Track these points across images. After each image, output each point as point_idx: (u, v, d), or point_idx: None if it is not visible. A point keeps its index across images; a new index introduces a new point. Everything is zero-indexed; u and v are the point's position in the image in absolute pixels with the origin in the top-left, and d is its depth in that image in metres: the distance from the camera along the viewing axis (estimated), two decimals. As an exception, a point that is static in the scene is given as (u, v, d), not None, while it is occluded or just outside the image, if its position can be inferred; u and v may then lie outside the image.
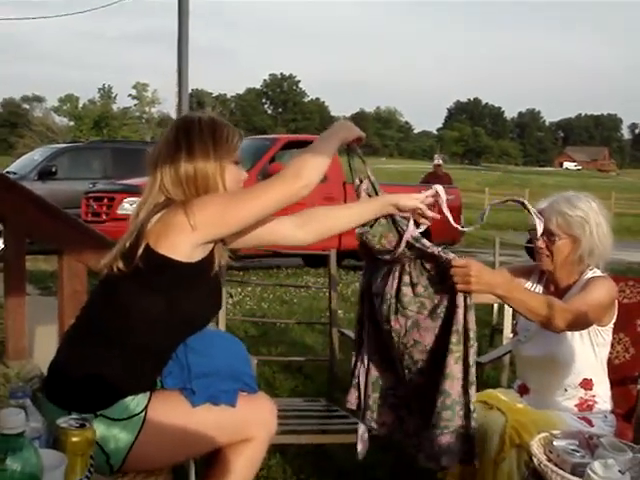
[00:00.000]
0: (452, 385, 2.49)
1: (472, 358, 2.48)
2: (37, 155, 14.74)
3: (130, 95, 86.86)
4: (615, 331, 3.04)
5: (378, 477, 3.56)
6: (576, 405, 2.89)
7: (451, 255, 2.49)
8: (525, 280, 3.08)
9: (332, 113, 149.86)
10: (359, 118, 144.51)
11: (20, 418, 1.46)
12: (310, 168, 2.28)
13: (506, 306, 3.98)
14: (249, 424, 2.42)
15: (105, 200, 11.13)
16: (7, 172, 12.92)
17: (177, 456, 2.47)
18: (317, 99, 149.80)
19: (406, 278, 2.54)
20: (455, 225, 2.68)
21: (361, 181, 2.68)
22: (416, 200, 2.63)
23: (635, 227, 25.85)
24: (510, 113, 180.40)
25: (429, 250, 2.51)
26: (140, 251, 2.19)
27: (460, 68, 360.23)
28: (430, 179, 14.81)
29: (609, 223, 2.90)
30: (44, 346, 3.46)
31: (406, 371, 2.61)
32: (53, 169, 13.55)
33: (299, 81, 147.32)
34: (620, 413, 3.02)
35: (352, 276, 10.92)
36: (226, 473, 2.42)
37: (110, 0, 13.06)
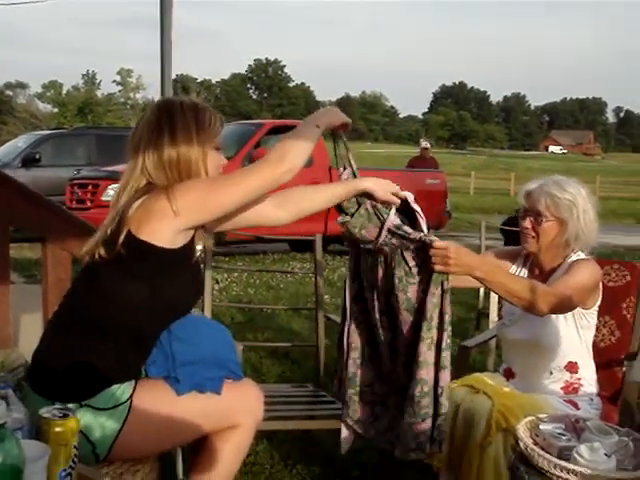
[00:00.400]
0: (428, 372, 2.51)
1: (445, 342, 2.50)
2: (21, 142, 14.64)
3: (114, 81, 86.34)
4: (601, 314, 3.05)
5: (365, 462, 3.56)
6: (562, 388, 2.90)
7: (433, 237, 2.49)
8: (510, 263, 3.08)
9: (317, 98, 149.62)
10: (345, 103, 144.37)
11: (1, 409, 1.44)
12: (293, 153, 2.27)
13: (492, 290, 3.99)
14: (235, 411, 2.42)
15: (89, 187, 11.08)
16: (-10, 159, 12.87)
17: (163, 444, 2.46)
18: (302, 84, 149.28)
19: (390, 265, 2.55)
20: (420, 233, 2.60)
21: (344, 168, 2.66)
22: (391, 195, 2.61)
23: (620, 210, 25.96)
24: (495, 97, 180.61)
25: (411, 236, 2.50)
26: (122, 238, 2.17)
27: (445, 52, 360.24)
28: (416, 163, 14.81)
29: (596, 211, 2.90)
30: (29, 334, 3.44)
31: (387, 364, 2.62)
32: (37, 156, 13.46)
33: (284, 66, 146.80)
34: (606, 396, 3.04)
35: (338, 261, 10.93)
36: (213, 460, 2.42)
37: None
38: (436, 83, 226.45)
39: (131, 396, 2.25)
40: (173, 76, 4.53)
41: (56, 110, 71.72)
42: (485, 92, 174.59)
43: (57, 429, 1.63)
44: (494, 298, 4.29)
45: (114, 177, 10.51)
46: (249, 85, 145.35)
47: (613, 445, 1.96)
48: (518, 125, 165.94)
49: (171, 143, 2.27)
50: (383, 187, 2.60)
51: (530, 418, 2.16)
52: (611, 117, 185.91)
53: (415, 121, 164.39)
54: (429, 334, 2.48)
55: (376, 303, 2.64)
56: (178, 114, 2.32)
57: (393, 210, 2.57)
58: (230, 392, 2.40)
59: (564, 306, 2.73)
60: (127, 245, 2.18)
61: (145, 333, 2.33)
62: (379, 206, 2.58)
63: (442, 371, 2.51)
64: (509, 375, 3.05)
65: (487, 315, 4.89)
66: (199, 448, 2.46)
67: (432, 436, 2.54)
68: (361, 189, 2.58)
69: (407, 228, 2.53)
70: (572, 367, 2.90)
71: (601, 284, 2.92)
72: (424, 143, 15.70)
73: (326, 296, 6.88)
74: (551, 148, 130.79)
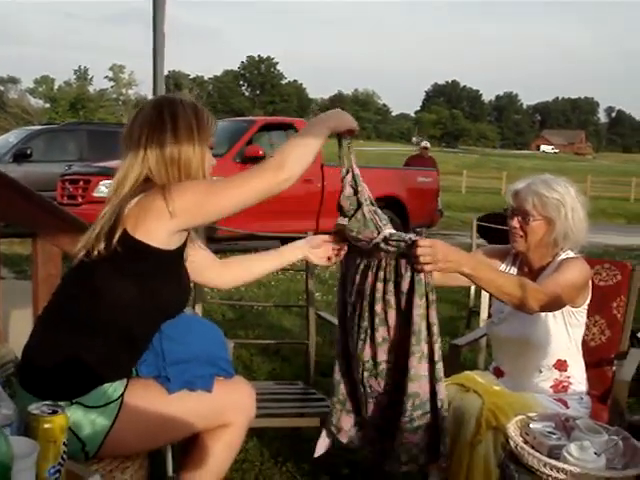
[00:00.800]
0: (420, 385, 2.50)
1: (437, 354, 2.50)
2: (12, 137, 14.58)
3: (106, 77, 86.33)
4: (591, 313, 3.06)
5: (356, 460, 3.56)
6: (551, 386, 2.90)
7: (419, 236, 2.49)
8: (500, 262, 3.08)
9: (310, 95, 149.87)
10: (337, 100, 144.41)
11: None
12: (294, 160, 2.25)
13: (483, 289, 3.99)
14: (227, 409, 2.41)
15: (81, 183, 11.02)
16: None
17: (154, 442, 2.46)
18: (295, 81, 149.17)
19: (381, 274, 2.53)
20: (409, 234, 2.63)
21: (347, 172, 2.63)
22: (325, 260, 2.78)
23: (610, 210, 26.08)
24: (488, 96, 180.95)
25: (406, 238, 2.49)
26: (117, 235, 2.17)
27: (438, 51, 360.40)
28: (415, 162, 14.78)
29: (585, 210, 2.90)
30: (19, 330, 3.42)
31: (367, 373, 2.60)
32: (28, 151, 13.43)
33: (277, 63, 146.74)
34: (596, 395, 3.05)
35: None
36: (204, 458, 2.41)
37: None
38: (429, 81, 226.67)
39: (122, 394, 2.24)
40: (165, 72, 4.52)
41: (48, 105, 71.61)
42: (477, 91, 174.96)
43: (46, 425, 1.63)
44: (485, 296, 4.31)
45: (105, 173, 10.50)
46: (241, 82, 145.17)
47: (603, 444, 1.96)
48: (510, 124, 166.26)
49: (174, 140, 2.27)
50: (318, 254, 2.77)
51: (520, 417, 2.16)
52: (603, 117, 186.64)
53: (407, 119, 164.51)
54: (418, 347, 2.47)
55: (360, 311, 2.60)
56: (180, 111, 2.32)
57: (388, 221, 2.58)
58: (222, 390, 2.40)
59: (553, 303, 2.72)
60: (123, 243, 2.17)
61: (135, 332, 2.31)
62: (379, 211, 2.58)
63: (438, 384, 2.51)
64: (498, 374, 3.06)
65: (478, 313, 4.91)
66: (190, 446, 2.45)
67: (437, 450, 2.55)
68: (294, 260, 2.84)
69: (401, 234, 2.52)
70: (561, 365, 2.90)
71: (590, 282, 2.92)
72: (424, 142, 15.69)
73: (317, 293, 6.87)
74: (543, 147, 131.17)
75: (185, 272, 2.45)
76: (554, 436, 2.03)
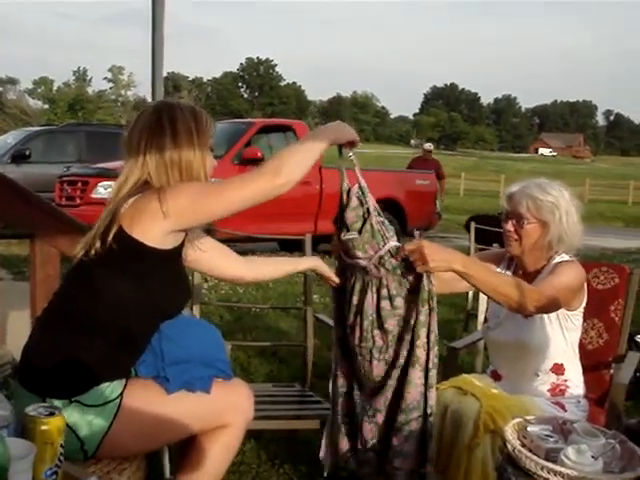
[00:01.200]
0: (409, 390, 2.51)
1: (432, 362, 2.51)
2: (10, 138, 14.59)
3: (105, 78, 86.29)
4: (589, 317, 3.06)
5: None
6: (548, 390, 2.90)
7: (399, 244, 2.52)
8: (495, 266, 3.08)
9: (309, 97, 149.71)
10: (336, 103, 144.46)
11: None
12: (291, 166, 2.24)
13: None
14: (225, 410, 2.42)
15: (79, 184, 11.01)
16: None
17: (152, 443, 2.46)
18: (294, 83, 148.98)
19: (384, 291, 2.52)
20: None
21: (348, 188, 2.59)
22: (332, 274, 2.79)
23: (608, 213, 26.10)
24: (486, 99, 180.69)
25: (391, 247, 2.50)
26: (113, 233, 2.18)
27: (437, 52, 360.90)
28: (418, 164, 14.72)
29: (580, 214, 2.90)
30: (17, 332, 3.42)
31: (377, 385, 2.60)
32: (27, 152, 13.43)
33: (276, 65, 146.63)
34: (593, 398, 3.05)
35: (327, 261, 10.89)
36: (201, 460, 2.41)
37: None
38: (427, 84, 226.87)
39: (121, 394, 2.25)
40: (164, 74, 4.52)
41: (46, 106, 71.59)
42: (476, 94, 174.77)
43: (43, 427, 1.63)
44: (483, 299, 4.31)
45: (104, 174, 10.49)
46: (240, 84, 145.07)
47: (600, 447, 1.96)
48: (508, 127, 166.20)
49: (173, 144, 2.29)
50: (325, 268, 2.82)
51: (518, 420, 2.16)
52: (601, 120, 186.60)
53: (406, 122, 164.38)
54: (416, 353, 2.49)
55: (361, 333, 2.59)
56: (179, 115, 2.33)
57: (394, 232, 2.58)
58: (220, 391, 2.40)
59: (549, 305, 2.72)
60: (118, 241, 2.18)
61: (134, 332, 2.32)
62: (386, 222, 2.57)
63: (429, 390, 2.53)
64: (496, 377, 3.06)
65: (476, 316, 4.91)
66: (187, 448, 2.45)
67: (424, 455, 2.56)
68: (302, 270, 3.01)
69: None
70: (558, 369, 2.90)
71: (586, 285, 2.92)
72: (426, 145, 15.61)
73: (315, 296, 6.86)
74: (541, 150, 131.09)
75: (184, 273, 2.46)
76: (551, 439, 2.03)
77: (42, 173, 12.49)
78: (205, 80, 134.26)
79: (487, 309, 3.24)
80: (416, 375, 2.50)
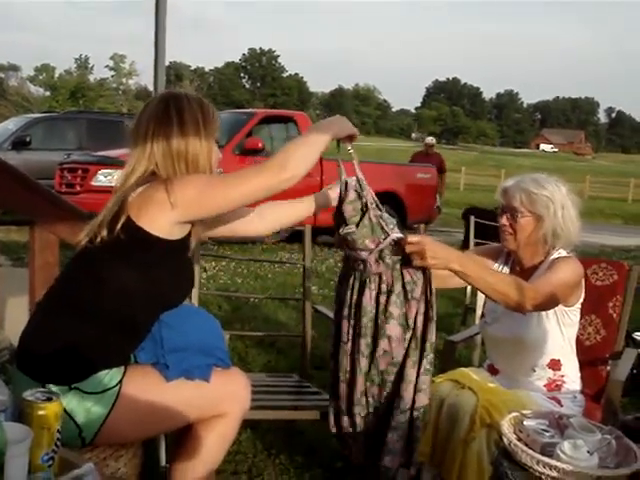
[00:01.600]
0: (406, 388, 2.52)
1: (424, 367, 2.52)
2: (11, 125, 14.57)
3: (107, 66, 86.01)
4: (587, 313, 3.06)
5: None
6: (545, 385, 2.90)
7: (402, 235, 2.51)
8: (492, 261, 3.08)
9: (311, 89, 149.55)
10: (337, 95, 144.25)
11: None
12: (297, 160, 2.26)
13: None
14: (222, 399, 2.42)
15: (79, 171, 10.99)
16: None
17: (149, 431, 2.46)
18: (296, 74, 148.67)
19: (383, 286, 2.52)
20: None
21: (346, 183, 2.59)
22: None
23: (608, 210, 26.09)
24: (488, 94, 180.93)
25: (394, 237, 2.49)
26: (121, 222, 2.19)
27: (440, 48, 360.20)
28: (420, 159, 14.66)
29: (577, 209, 2.89)
30: (15, 317, 3.42)
31: (368, 384, 2.59)
32: (27, 139, 13.41)
33: (278, 56, 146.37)
34: (589, 394, 3.05)
35: (327, 252, 10.93)
36: (197, 448, 2.42)
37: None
38: (429, 78, 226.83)
39: (120, 381, 2.25)
40: (167, 63, 4.51)
41: (48, 94, 71.38)
42: (478, 88, 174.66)
43: (40, 412, 1.63)
44: (481, 294, 4.31)
45: (104, 162, 10.48)
46: (242, 74, 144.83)
47: (596, 443, 1.96)
48: (510, 122, 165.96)
49: (180, 135, 2.30)
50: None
51: (514, 414, 2.16)
52: (603, 117, 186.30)
53: (407, 115, 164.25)
54: (416, 352, 2.51)
55: (352, 324, 2.59)
56: (186, 105, 2.34)
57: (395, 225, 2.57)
58: (218, 380, 2.40)
59: (547, 303, 2.73)
60: (126, 230, 2.19)
61: (136, 320, 2.32)
62: (385, 216, 2.56)
63: (418, 394, 2.53)
64: (493, 371, 3.06)
65: (474, 310, 4.92)
66: (183, 436, 2.45)
67: (409, 457, 2.57)
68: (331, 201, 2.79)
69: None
70: (555, 365, 2.91)
71: (583, 282, 2.92)
72: (428, 139, 15.50)
73: (314, 287, 6.88)
74: (542, 146, 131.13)
75: (189, 263, 2.47)
76: (547, 434, 2.03)
77: (42, 160, 12.47)
78: (207, 70, 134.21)
79: (484, 304, 3.24)
80: (412, 374, 2.51)
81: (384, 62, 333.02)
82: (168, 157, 2.29)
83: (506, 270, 3.04)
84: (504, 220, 2.90)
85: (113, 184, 2.42)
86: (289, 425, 3.87)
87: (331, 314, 2.89)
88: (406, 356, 2.52)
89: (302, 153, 2.28)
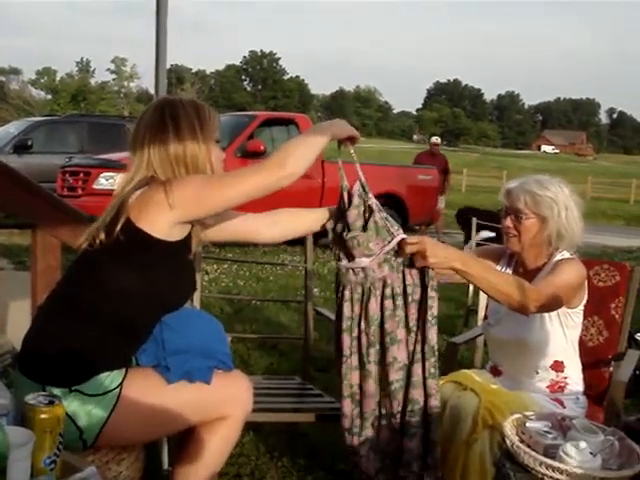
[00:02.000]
0: (420, 393, 2.52)
1: (429, 371, 2.52)
2: (13, 128, 14.57)
3: (108, 69, 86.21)
4: (589, 314, 3.06)
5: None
6: (547, 387, 2.90)
7: (404, 235, 2.51)
8: (494, 263, 3.07)
9: (312, 91, 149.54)
10: (339, 97, 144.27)
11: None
12: (295, 158, 2.26)
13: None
14: (224, 402, 2.42)
15: (81, 175, 11.00)
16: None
17: (151, 433, 2.47)
18: (297, 77, 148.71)
19: (388, 291, 2.51)
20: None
21: (345, 189, 2.58)
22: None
23: (610, 211, 26.06)
24: (489, 95, 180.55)
25: (396, 239, 2.49)
26: (120, 224, 2.20)
27: (440, 48, 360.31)
28: (425, 158, 14.59)
29: (580, 210, 2.89)
30: (17, 321, 3.43)
31: (382, 393, 2.57)
32: (29, 142, 13.42)
33: (279, 58, 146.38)
34: (592, 395, 3.04)
35: (328, 255, 10.90)
36: (200, 451, 2.42)
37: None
38: (430, 79, 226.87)
39: (121, 384, 2.25)
40: (168, 66, 4.52)
41: (49, 97, 71.55)
42: (479, 90, 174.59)
43: (42, 416, 1.63)
44: (483, 295, 4.30)
45: (106, 165, 10.50)
46: (243, 77, 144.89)
47: (599, 444, 1.96)
48: (511, 124, 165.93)
49: (177, 140, 2.31)
50: None
51: (517, 416, 2.16)
52: (604, 118, 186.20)
53: (409, 117, 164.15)
54: (419, 356, 2.51)
55: (364, 335, 2.55)
56: (181, 111, 2.36)
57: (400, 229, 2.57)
58: (220, 383, 2.40)
59: (550, 305, 2.72)
60: (126, 232, 2.20)
61: (136, 322, 2.33)
62: (390, 218, 2.56)
63: (430, 399, 2.53)
64: (495, 373, 3.06)
65: (476, 312, 4.89)
66: (186, 439, 2.46)
67: (425, 461, 2.55)
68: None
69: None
70: (558, 366, 2.90)
71: (586, 283, 2.92)
72: (434, 138, 15.35)
73: (315, 289, 6.89)
74: (543, 147, 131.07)
75: (190, 265, 2.47)
76: (550, 435, 2.03)
77: (44, 163, 12.47)
78: (208, 73, 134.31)
79: (487, 306, 3.24)
80: (420, 379, 2.52)
81: (384, 63, 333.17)
82: (167, 163, 2.30)
83: (509, 271, 3.04)
84: (508, 222, 2.90)
85: (115, 187, 2.43)
86: (291, 427, 3.86)
87: (333, 316, 2.88)
88: (412, 361, 2.51)
89: (301, 152, 2.29)
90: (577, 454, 1.89)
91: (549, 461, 1.90)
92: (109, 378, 2.24)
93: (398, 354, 2.52)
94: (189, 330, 2.43)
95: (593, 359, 3.16)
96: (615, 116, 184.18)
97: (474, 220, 6.67)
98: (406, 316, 2.51)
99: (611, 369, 3.20)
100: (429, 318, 2.51)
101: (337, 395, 2.75)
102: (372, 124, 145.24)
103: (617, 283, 3.26)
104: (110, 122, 15.31)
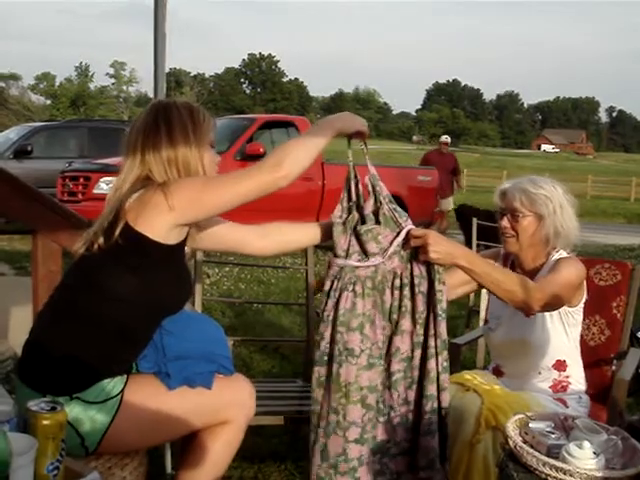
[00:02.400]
0: (435, 388, 2.50)
1: (441, 366, 2.50)
2: (13, 134, 14.57)
3: (107, 74, 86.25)
4: (591, 313, 3.05)
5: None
6: (550, 387, 2.90)
7: (412, 226, 2.51)
8: None
9: (311, 94, 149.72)
10: (338, 99, 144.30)
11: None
12: (292, 159, 2.25)
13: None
14: (226, 407, 2.41)
15: (81, 179, 11.01)
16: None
17: (153, 439, 2.46)
18: (296, 79, 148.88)
19: (397, 282, 2.50)
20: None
21: (357, 178, 2.57)
22: None
23: (611, 210, 26.04)
24: (489, 95, 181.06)
25: (403, 232, 2.49)
26: (119, 228, 2.19)
27: (439, 49, 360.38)
28: (433, 157, 14.47)
29: (574, 209, 2.89)
30: (19, 327, 3.43)
31: (392, 391, 2.55)
32: (29, 148, 13.40)
33: (278, 61, 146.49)
34: (594, 394, 3.04)
35: (330, 257, 10.89)
36: (203, 456, 2.41)
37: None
38: (430, 80, 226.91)
39: (122, 390, 2.25)
40: (167, 70, 4.51)
41: (49, 102, 71.63)
42: (478, 90, 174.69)
43: (45, 422, 1.63)
44: (484, 296, 4.30)
45: (106, 170, 10.49)
46: (243, 80, 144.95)
47: (602, 444, 1.96)
48: (511, 123, 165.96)
49: (169, 143, 2.30)
50: None
51: (519, 416, 2.16)
52: (604, 117, 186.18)
53: (408, 118, 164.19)
54: (432, 350, 2.50)
55: (381, 329, 2.52)
56: (174, 114, 2.35)
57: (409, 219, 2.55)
58: (221, 387, 2.40)
59: (553, 303, 2.72)
60: (124, 236, 2.19)
61: (136, 328, 2.32)
62: (398, 208, 2.55)
63: (442, 393, 2.51)
64: (498, 373, 3.06)
65: (478, 312, 4.89)
66: (189, 443, 2.45)
67: (442, 454, 2.54)
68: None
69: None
70: (560, 365, 2.90)
71: (585, 281, 2.91)
72: (443, 137, 15.13)
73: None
74: (543, 147, 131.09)
75: (186, 269, 2.46)
76: (553, 435, 2.02)
77: (44, 169, 12.46)
78: (207, 76, 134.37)
79: (487, 309, 3.23)
80: (435, 373, 2.50)
81: (384, 63, 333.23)
82: (160, 164, 2.29)
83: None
84: (505, 222, 2.89)
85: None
86: (294, 430, 3.86)
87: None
88: (426, 356, 2.49)
89: (298, 152, 2.28)
90: (580, 454, 1.89)
91: (552, 461, 1.89)
92: (110, 385, 2.24)
93: (401, 345, 2.50)
94: (190, 335, 2.42)
95: (595, 358, 3.16)
96: (615, 114, 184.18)
97: (474, 220, 6.67)
98: (413, 307, 2.50)
99: (613, 368, 3.19)
100: (439, 312, 2.49)
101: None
102: (372, 125, 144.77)
103: (618, 282, 3.26)
104: (110, 127, 15.28)
